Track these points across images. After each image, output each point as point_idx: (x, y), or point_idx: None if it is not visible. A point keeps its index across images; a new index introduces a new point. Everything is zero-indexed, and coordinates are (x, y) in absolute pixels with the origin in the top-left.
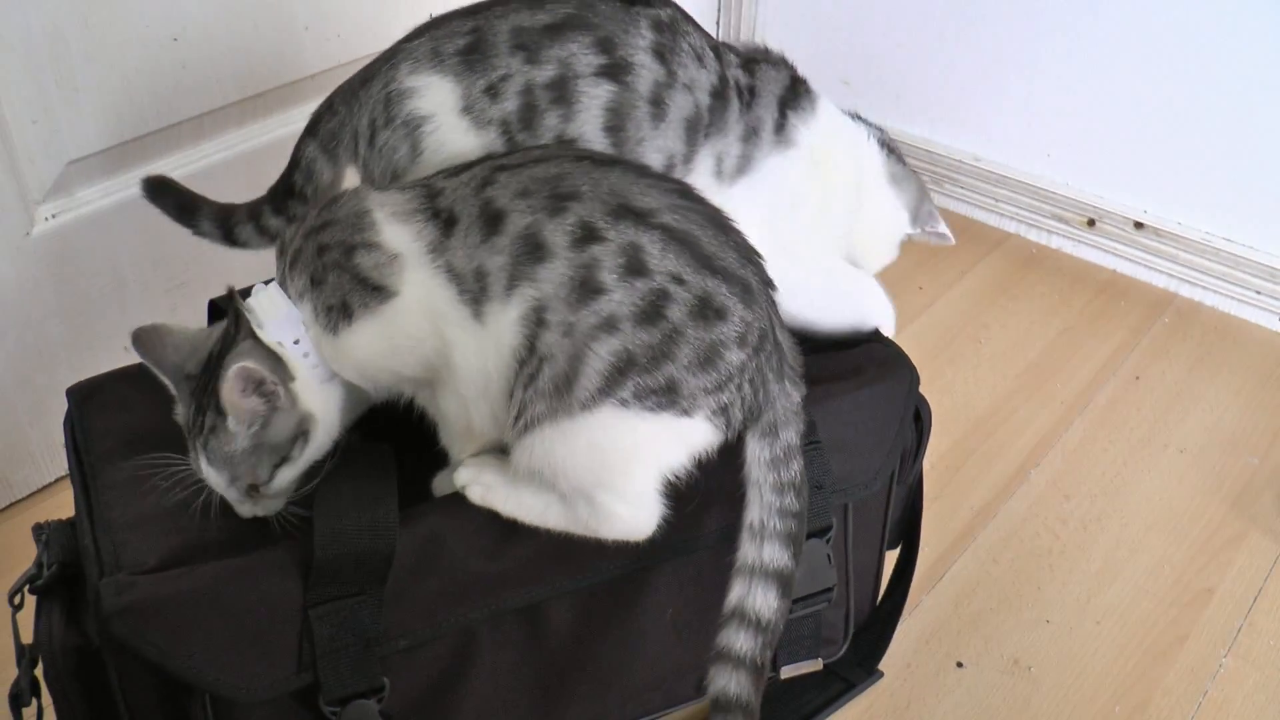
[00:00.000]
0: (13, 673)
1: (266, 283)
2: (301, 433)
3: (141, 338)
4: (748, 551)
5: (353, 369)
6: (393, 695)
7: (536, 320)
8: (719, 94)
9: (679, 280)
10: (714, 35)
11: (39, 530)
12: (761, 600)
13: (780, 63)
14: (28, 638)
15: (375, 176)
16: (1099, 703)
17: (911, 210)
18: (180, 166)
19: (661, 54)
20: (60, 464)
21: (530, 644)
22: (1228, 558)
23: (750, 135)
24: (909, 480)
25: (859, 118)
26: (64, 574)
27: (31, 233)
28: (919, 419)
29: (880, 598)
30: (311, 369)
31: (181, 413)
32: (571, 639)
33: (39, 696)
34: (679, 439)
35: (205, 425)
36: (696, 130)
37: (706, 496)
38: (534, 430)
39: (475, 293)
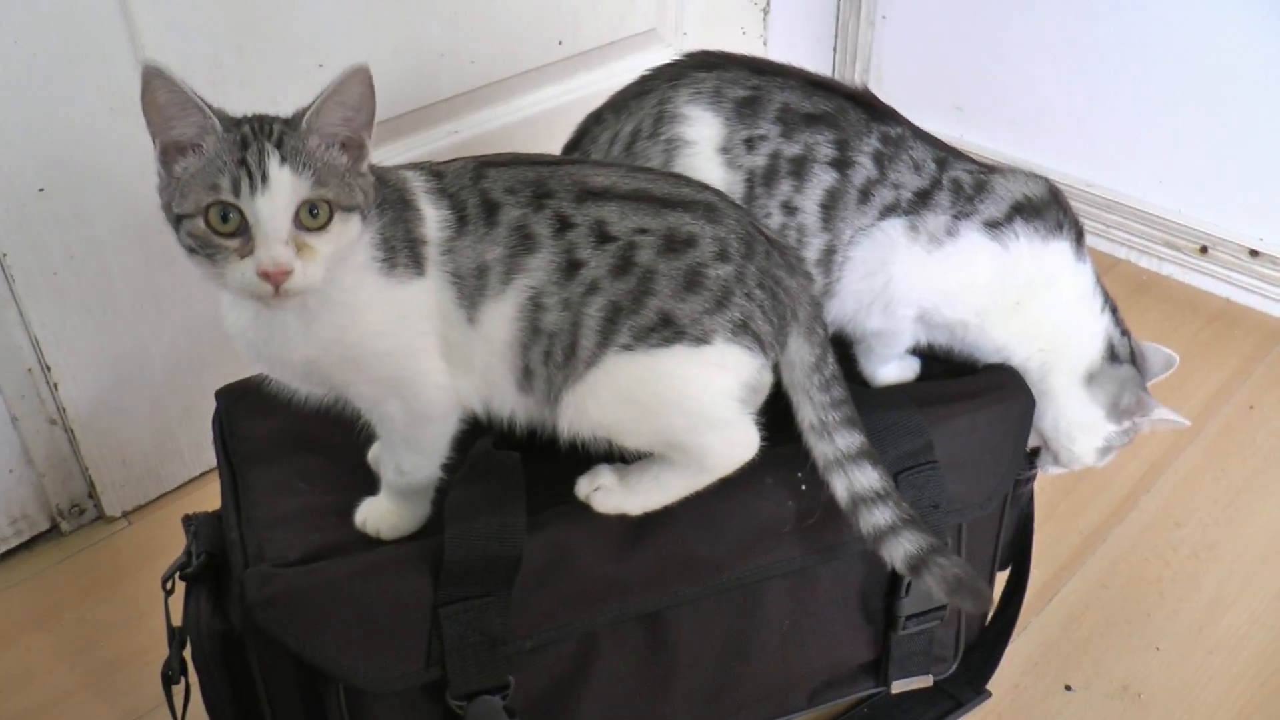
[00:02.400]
0: (164, 651)
1: None
2: (365, 203)
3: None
4: (823, 450)
5: (335, 329)
6: (516, 692)
7: (534, 307)
8: (924, 194)
9: (642, 231)
10: (853, 80)
11: (188, 521)
12: (863, 479)
13: (1050, 189)
14: (178, 621)
15: None
16: None
17: (1108, 407)
18: None
19: (880, 160)
20: (204, 459)
21: (649, 649)
22: None
23: (960, 216)
24: (1022, 502)
25: (1114, 313)
26: (211, 563)
27: None
28: None
29: (990, 618)
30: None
31: (212, 143)
32: (689, 646)
33: (186, 675)
34: (713, 367)
35: (275, 130)
36: (893, 212)
37: (828, 509)
38: (560, 400)
39: (473, 293)
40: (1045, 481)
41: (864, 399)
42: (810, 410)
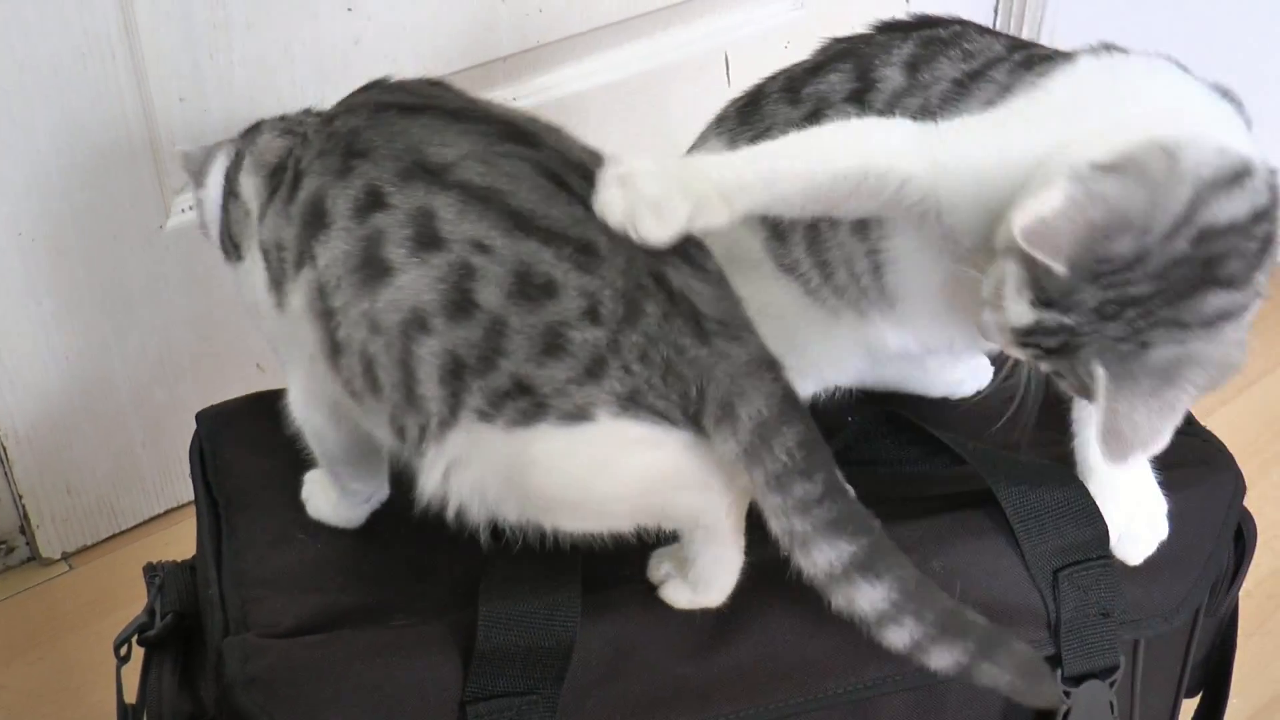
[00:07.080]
0: None
1: None
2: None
3: None
4: (806, 566)
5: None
6: None
7: (324, 310)
8: (961, 83)
9: (481, 248)
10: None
11: (151, 572)
12: (866, 597)
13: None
14: (132, 696)
15: None
16: None
17: None
18: None
19: (915, 65)
20: (174, 493)
21: None
22: None
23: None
24: (1220, 613)
25: None
26: (179, 626)
27: (165, 225)
28: (1240, 538)
29: None
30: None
31: None
32: None
33: None
34: (617, 448)
35: None
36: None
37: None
38: (421, 455)
39: (276, 271)
40: (1251, 582)
41: (1019, 470)
42: (772, 520)
